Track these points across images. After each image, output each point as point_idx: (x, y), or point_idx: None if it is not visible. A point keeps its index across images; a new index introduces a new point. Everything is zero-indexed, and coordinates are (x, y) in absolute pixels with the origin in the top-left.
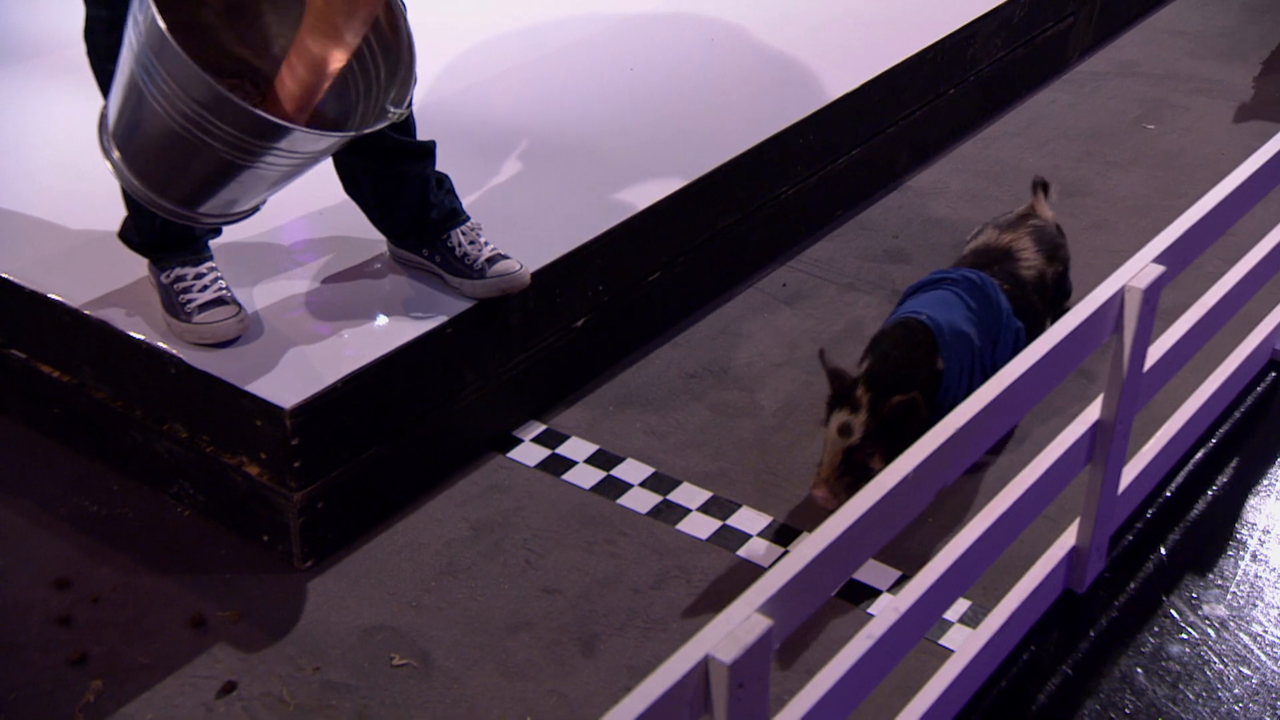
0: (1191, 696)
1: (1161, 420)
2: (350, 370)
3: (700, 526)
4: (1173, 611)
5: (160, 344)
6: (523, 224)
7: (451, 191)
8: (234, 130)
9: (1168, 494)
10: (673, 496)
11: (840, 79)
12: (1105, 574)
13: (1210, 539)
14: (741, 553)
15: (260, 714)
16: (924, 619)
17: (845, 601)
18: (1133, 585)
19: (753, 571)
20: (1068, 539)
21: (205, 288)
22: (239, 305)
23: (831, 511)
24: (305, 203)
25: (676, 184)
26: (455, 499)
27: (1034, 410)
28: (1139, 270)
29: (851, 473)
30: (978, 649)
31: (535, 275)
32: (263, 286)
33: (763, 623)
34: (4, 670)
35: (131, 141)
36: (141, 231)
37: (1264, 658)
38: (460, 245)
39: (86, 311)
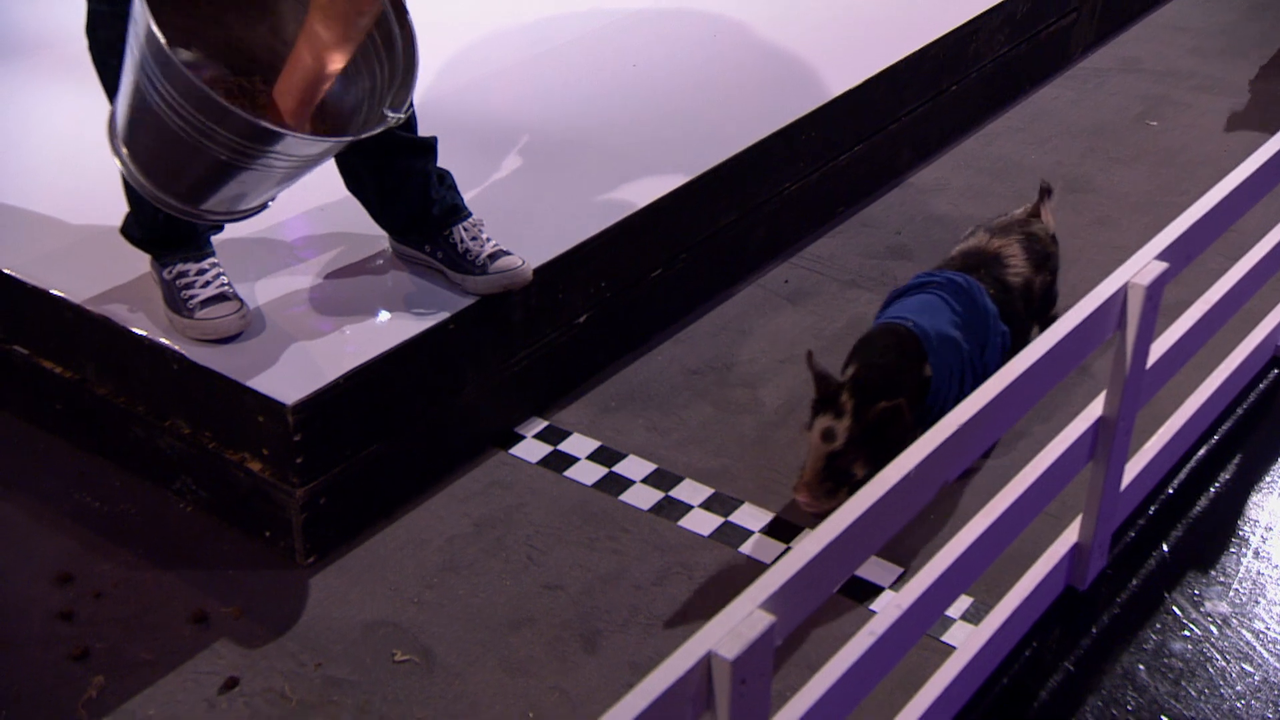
0: (1194, 693)
1: (1164, 417)
2: (352, 366)
3: (702, 523)
4: (1175, 608)
5: (162, 340)
6: (524, 220)
7: (453, 187)
8: (233, 136)
9: (1170, 491)
10: (675, 493)
11: (842, 75)
12: (1107, 571)
13: (1212, 536)
14: (743, 549)
15: (262, 710)
16: (926, 616)
17: (847, 598)
18: (1135, 582)
19: (755, 568)
20: (1070, 536)
21: (207, 283)
22: (241, 301)
23: (824, 513)
24: (307, 199)
25: (679, 180)
26: (457, 495)
27: (1035, 408)
28: (1142, 267)
29: (834, 478)
30: (980, 646)
31: (537, 271)
32: (265, 282)
33: (765, 619)
34: (6, 666)
35: (136, 141)
36: (143, 227)
37: (1266, 654)
38: (462, 241)
39: (88, 307)
